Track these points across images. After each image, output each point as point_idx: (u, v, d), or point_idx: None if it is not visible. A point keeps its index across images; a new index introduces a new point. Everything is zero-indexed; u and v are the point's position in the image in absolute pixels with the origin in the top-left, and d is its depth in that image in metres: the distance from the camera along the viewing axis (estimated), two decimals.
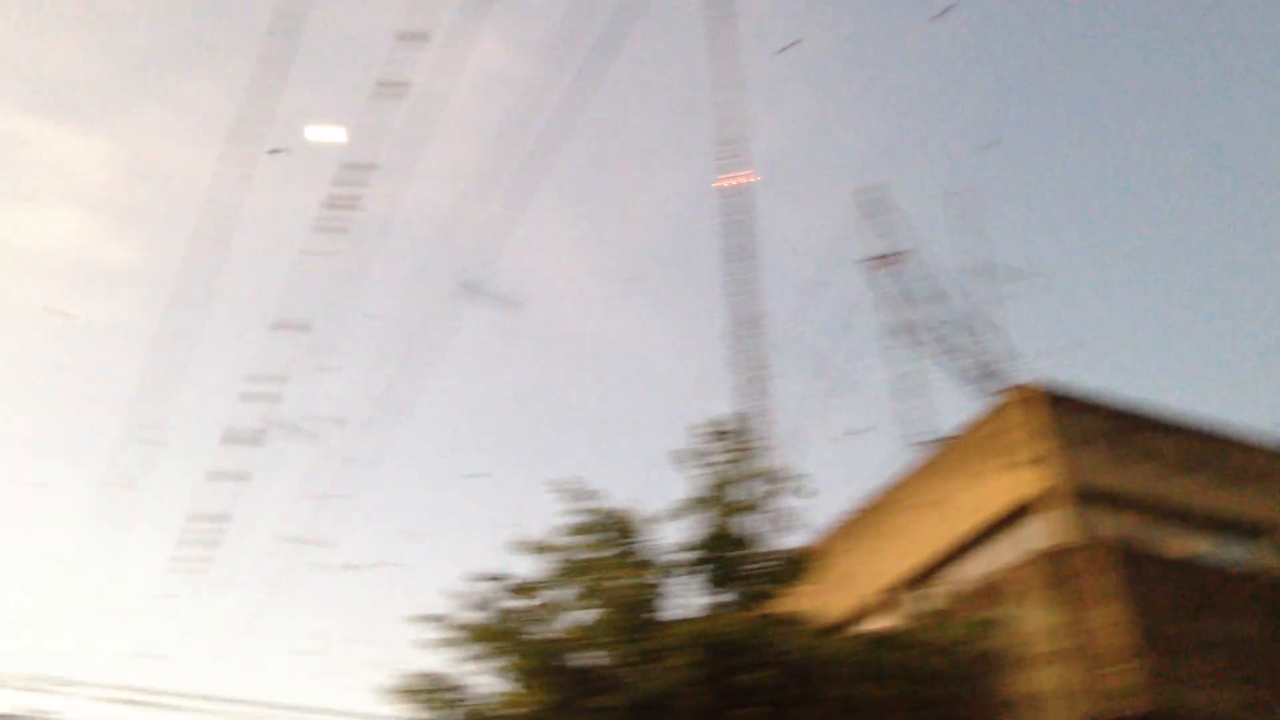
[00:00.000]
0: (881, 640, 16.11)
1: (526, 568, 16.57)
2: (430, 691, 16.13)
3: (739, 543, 16.22)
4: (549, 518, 16.62)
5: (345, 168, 9.50)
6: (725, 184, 37.00)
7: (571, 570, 16.28)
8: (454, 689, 16.20)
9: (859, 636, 16.96)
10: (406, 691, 16.17)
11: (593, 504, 16.52)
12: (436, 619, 16.38)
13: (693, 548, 16.28)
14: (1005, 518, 17.14)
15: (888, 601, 19.02)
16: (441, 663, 16.34)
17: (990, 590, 16.19)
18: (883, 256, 28.97)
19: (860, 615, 19.46)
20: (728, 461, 16.79)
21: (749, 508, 16.56)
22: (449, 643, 16.15)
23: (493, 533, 17.13)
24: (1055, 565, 15.26)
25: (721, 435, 17.02)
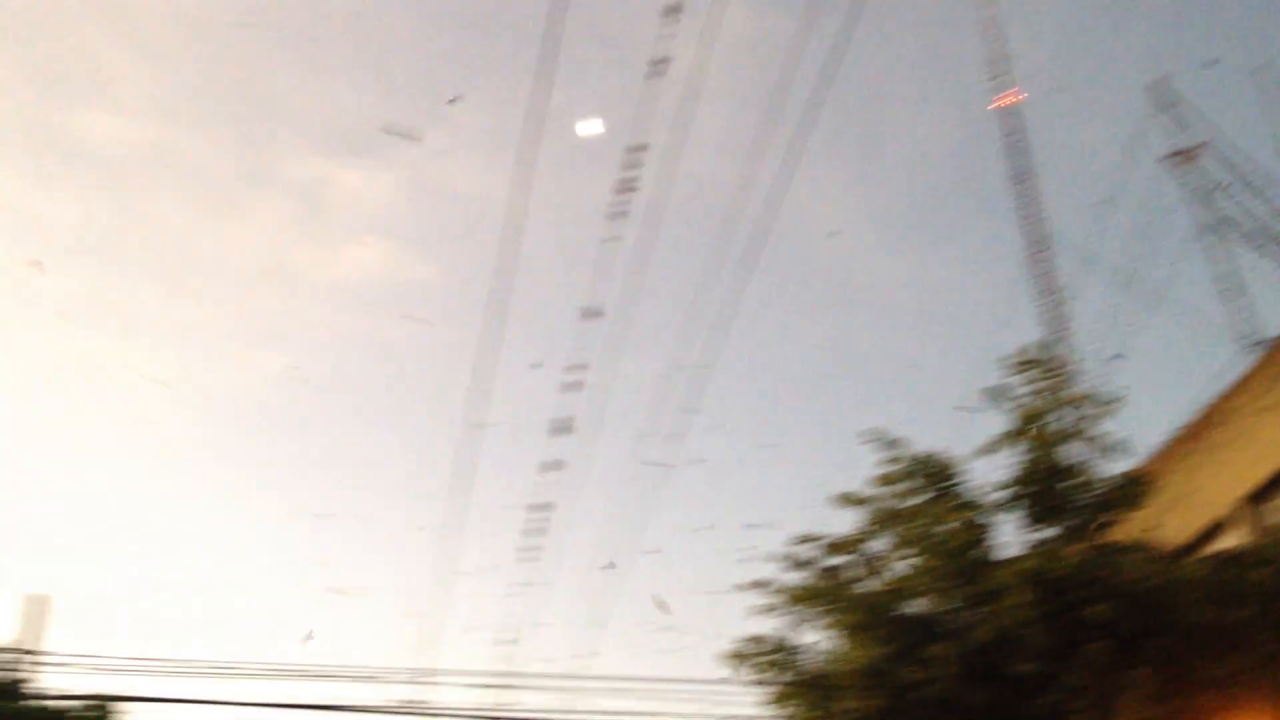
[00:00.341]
0: (1233, 559, 15.06)
1: (845, 523, 16.40)
2: (762, 655, 16.20)
3: (1062, 472, 15.47)
4: (862, 469, 16.38)
5: (627, 150, 9.55)
6: (1000, 104, 35.56)
7: (889, 520, 15.99)
8: (785, 651, 16.23)
9: (1207, 558, 15.92)
10: (740, 657, 16.30)
11: (904, 451, 16.12)
12: (761, 584, 16.46)
13: (1013, 483, 15.64)
14: None
15: (1235, 517, 17.74)
16: (770, 627, 16.40)
17: None
18: (1182, 151, 27.03)
19: (1205, 535, 18.23)
20: (1040, 390, 16.05)
21: (1069, 435, 15.78)
22: (776, 606, 16.20)
23: (808, 491, 16.99)
24: None
25: (1030, 363, 16.28)
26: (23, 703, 10.31)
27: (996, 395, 16.16)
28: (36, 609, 12.46)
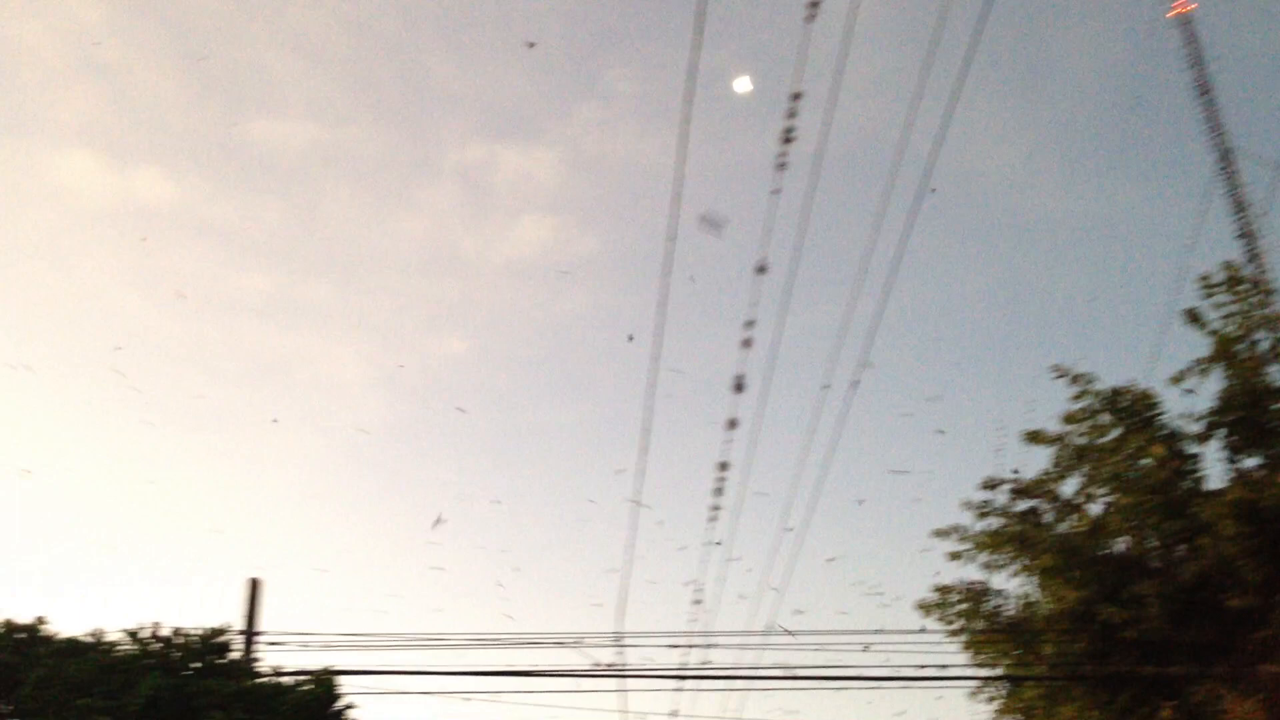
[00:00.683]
0: None
1: (1035, 465, 15.98)
2: (956, 603, 15.97)
3: (1266, 397, 14.70)
4: (1047, 410, 15.89)
5: (789, 98, 9.50)
6: (1176, 13, 33.86)
7: (1082, 459, 15.50)
8: (979, 598, 15.96)
9: None
10: (932, 606, 16.10)
11: (1093, 386, 15.51)
12: (953, 531, 16.20)
13: (1214, 412, 14.93)
14: None
15: None
16: (963, 575, 16.16)
17: None
18: None
19: None
20: (1237, 311, 15.25)
21: (1271, 357, 14.99)
22: (968, 553, 15.94)
23: (994, 436, 16.58)
24: None
25: (1224, 284, 15.44)
26: (251, 681, 10.93)
27: (1193, 320, 15.43)
28: (253, 592, 13.20)
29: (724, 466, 13.78)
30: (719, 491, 13.25)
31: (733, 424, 13.61)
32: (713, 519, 13.70)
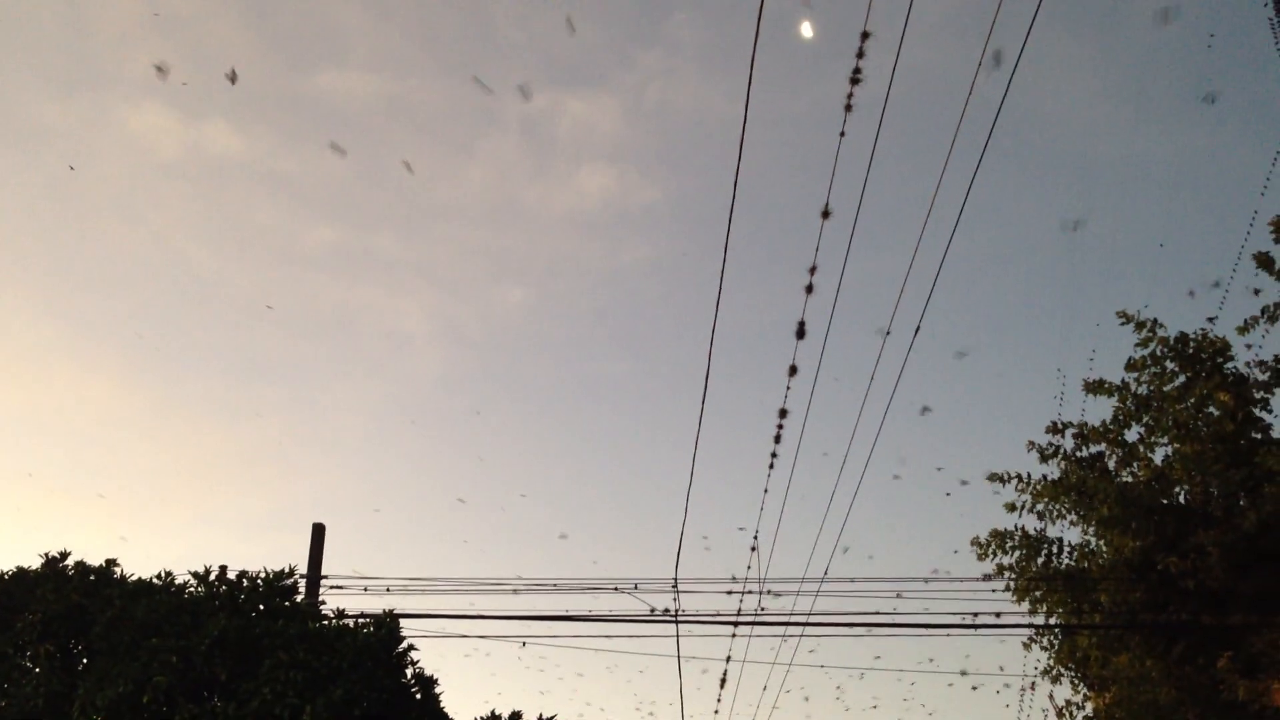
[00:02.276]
0: None
1: (1100, 411, 15.80)
2: (1013, 548, 15.89)
3: None
4: (1118, 356, 15.64)
5: (859, 38, 9.41)
6: None
7: (1146, 406, 15.30)
8: (1037, 543, 15.86)
9: None
10: (988, 547, 16.02)
11: (1158, 332, 15.25)
12: (1012, 478, 16.09)
13: None
14: None
15: None
16: (1021, 520, 16.05)
17: None
18: None
19: None
20: None
21: None
22: (1028, 499, 15.84)
23: (1060, 379, 16.40)
24: None
25: None
26: (316, 624, 11.16)
27: (1261, 265, 15.10)
28: (318, 537, 13.49)
29: (784, 414, 13.78)
30: (778, 439, 13.25)
31: (793, 370, 13.60)
32: (771, 466, 13.72)
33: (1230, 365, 14.68)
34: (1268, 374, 14.45)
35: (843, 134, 9.76)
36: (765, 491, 12.95)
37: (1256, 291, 14.54)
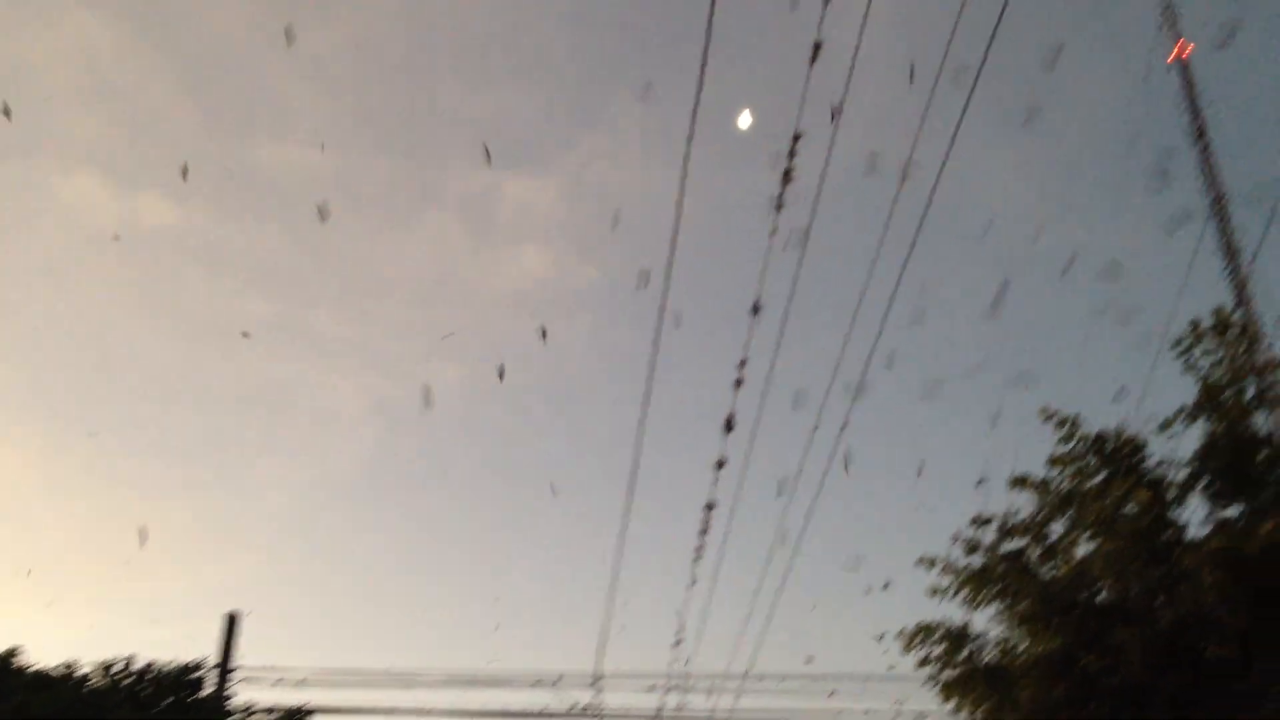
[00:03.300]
0: None
1: (1023, 505, 15.93)
2: (934, 642, 15.88)
3: (1251, 445, 14.69)
4: (1043, 448, 15.83)
5: (789, 139, 9.57)
6: (1174, 59, 34.05)
7: (1067, 502, 15.46)
8: (958, 638, 15.87)
9: None
10: (911, 642, 16.01)
11: (1080, 429, 15.49)
12: (938, 563, 16.15)
13: (1199, 459, 14.92)
14: None
15: None
16: (943, 613, 16.08)
17: None
18: None
19: None
20: (1224, 358, 15.27)
21: (1257, 405, 14.99)
22: (949, 590, 15.88)
23: (981, 474, 16.54)
24: None
25: (1212, 331, 15.47)
26: (223, 719, 10.89)
27: (1182, 361, 15.45)
28: (230, 626, 13.14)
29: (710, 507, 13.78)
30: (704, 531, 13.24)
31: (721, 464, 13.62)
32: (697, 559, 13.69)
33: (1147, 464, 14.91)
34: (1183, 474, 14.71)
35: (774, 231, 9.87)
36: (691, 583, 12.91)
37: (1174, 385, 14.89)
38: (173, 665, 11.41)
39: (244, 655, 13.54)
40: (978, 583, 15.60)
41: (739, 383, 12.17)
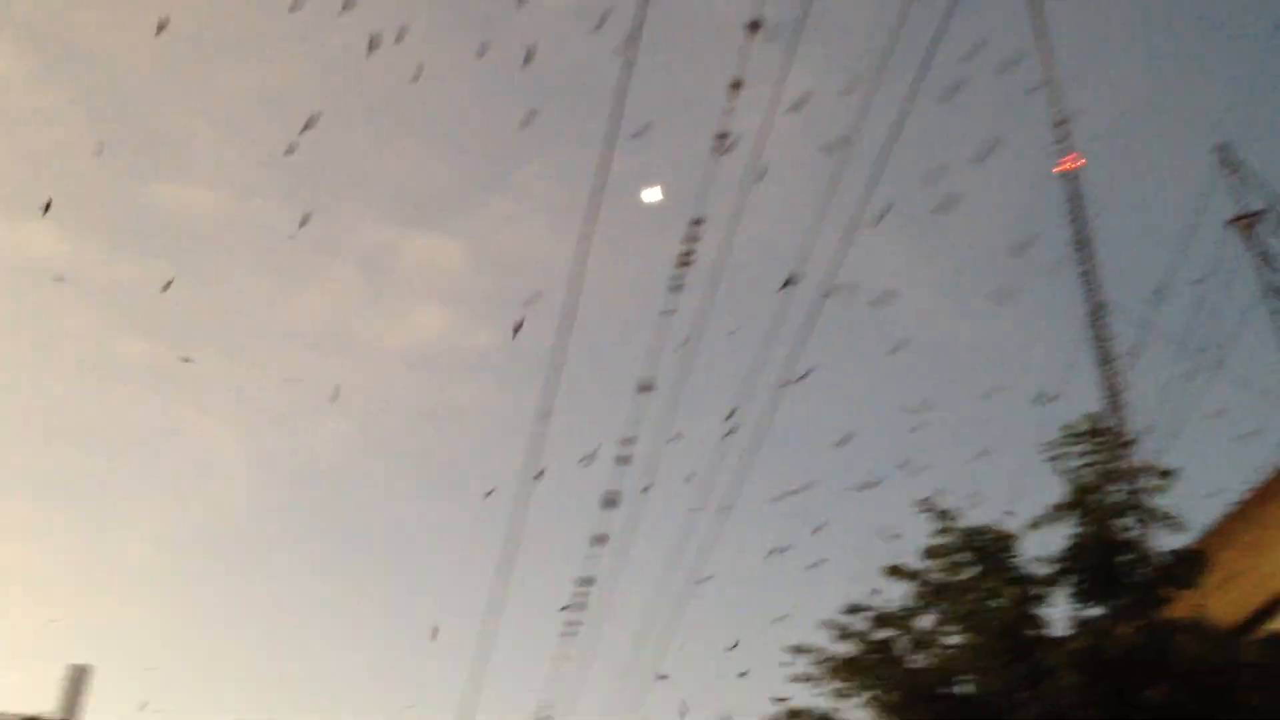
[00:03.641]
0: None
1: (895, 594, 16.14)
2: None
3: (1116, 547, 15.10)
4: (920, 536, 16.11)
5: (689, 223, 9.68)
6: (1062, 168, 35.42)
7: (939, 594, 15.70)
8: None
9: (1270, 638, 15.48)
10: None
11: (956, 522, 15.79)
12: (806, 651, 16.24)
13: (1066, 558, 15.29)
14: None
15: None
16: (814, 697, 16.15)
17: None
18: (1244, 217, 26.65)
19: (1260, 615, 17.73)
20: (1094, 462, 15.73)
21: (1123, 509, 15.45)
22: (819, 677, 15.96)
23: (864, 555, 16.77)
24: None
25: (1084, 434, 15.96)
26: None
27: (1053, 463, 15.90)
28: (77, 680, 12.54)
29: (587, 582, 13.69)
30: (579, 607, 13.15)
31: (601, 539, 13.57)
32: (570, 634, 13.57)
33: (1014, 560, 15.24)
34: (1050, 571, 15.05)
35: (669, 312, 9.95)
36: (562, 659, 12.78)
37: (1048, 466, 15.38)
38: (14, 717, 10.87)
39: (99, 711, 12.94)
40: (847, 671, 15.71)
41: (623, 460, 12.20)
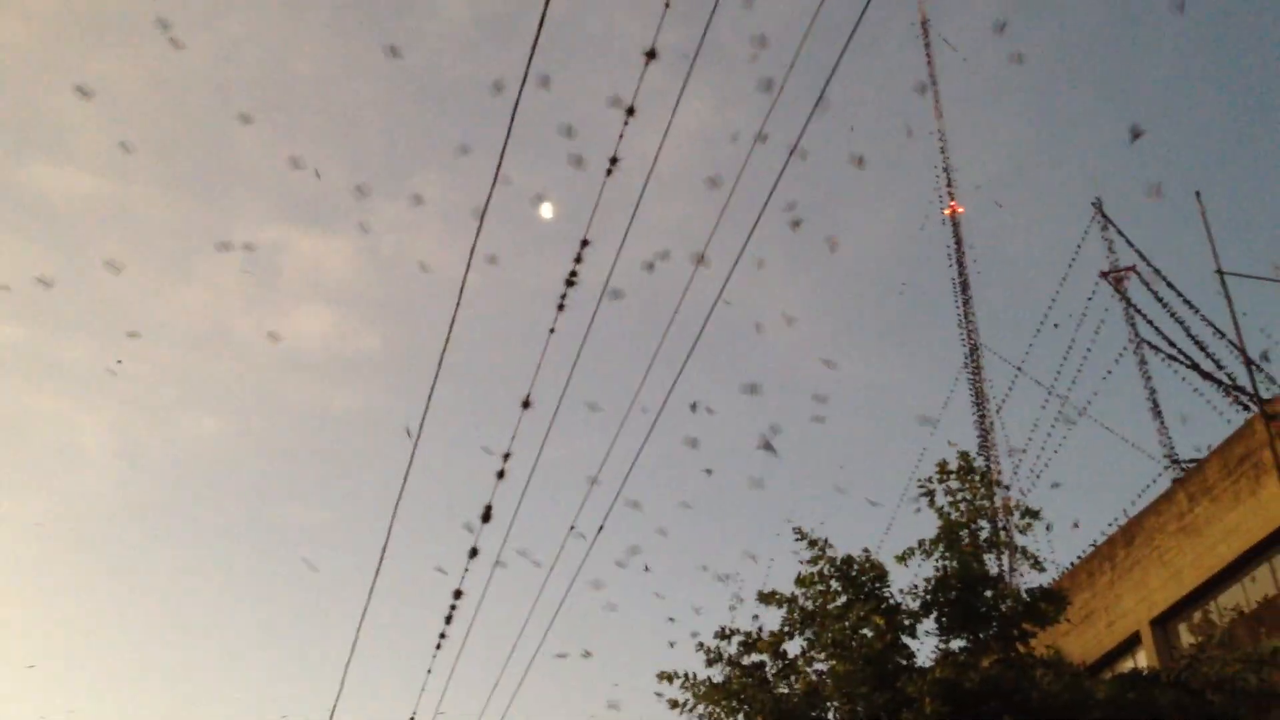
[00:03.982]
0: (1146, 679, 15.19)
1: (765, 621, 16.40)
2: None
3: (980, 583, 15.57)
4: (789, 565, 16.39)
5: (578, 245, 9.78)
6: (947, 214, 36.45)
7: (807, 622, 15.99)
8: None
9: (1120, 677, 16.07)
10: None
11: (826, 551, 16.12)
12: (675, 676, 16.38)
13: (931, 591, 15.71)
14: (1267, 540, 15.97)
15: (1145, 637, 17.96)
16: None
17: (1259, 619, 15.09)
18: (1112, 272, 27.78)
19: (1115, 653, 18.42)
20: (962, 499, 16.21)
21: (988, 546, 15.94)
22: (688, 702, 16.12)
23: (739, 584, 17.06)
24: None
25: (954, 472, 16.44)
26: None
27: (923, 499, 16.33)
28: None
29: (458, 594, 13.65)
30: (448, 619, 13.11)
31: (474, 553, 13.55)
32: (439, 647, 13.51)
33: (887, 590, 15.61)
34: (918, 602, 15.46)
35: (552, 330, 10.04)
36: (428, 672, 12.73)
37: (918, 509, 15.78)
38: None
39: None
40: (717, 696, 15.90)
41: (501, 474, 12.23)
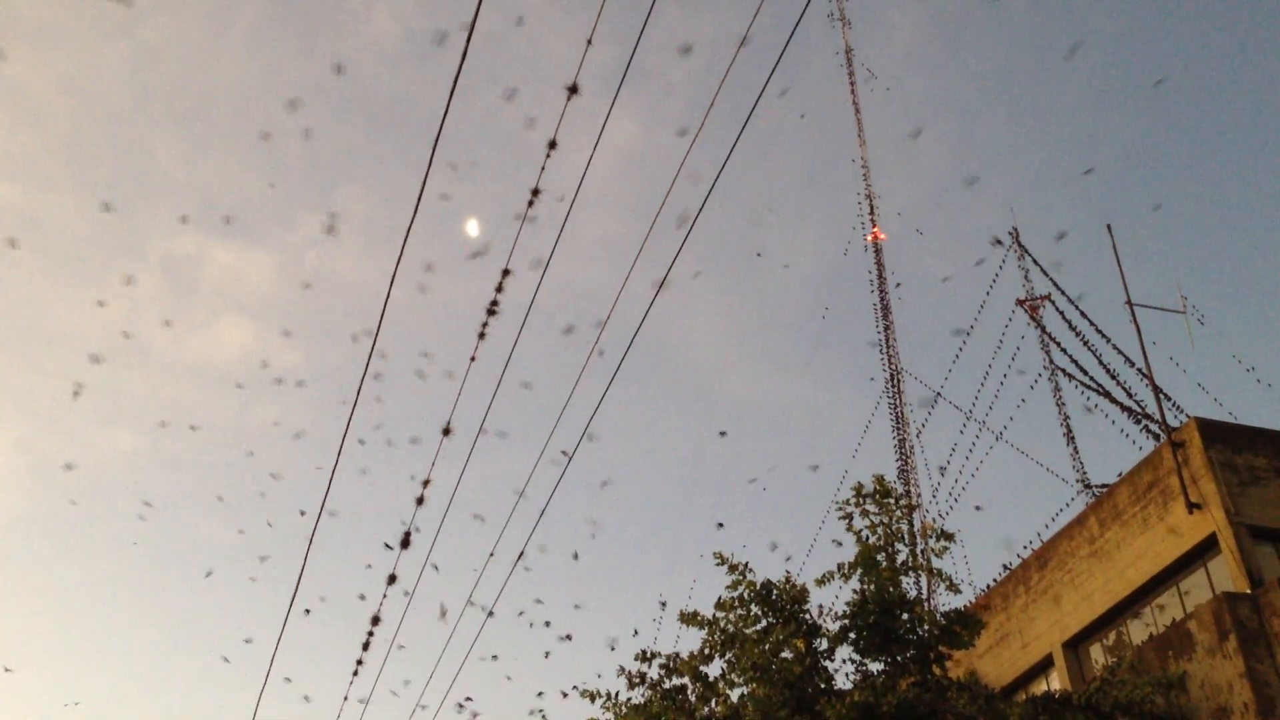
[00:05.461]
0: (1058, 702, 15.47)
1: (685, 642, 16.49)
2: None
3: (897, 606, 15.76)
4: (708, 588, 16.50)
5: (500, 273, 9.81)
6: (870, 239, 36.98)
7: (728, 644, 16.07)
8: None
9: (1033, 699, 16.36)
10: None
11: (746, 575, 16.21)
12: (597, 695, 16.40)
13: (850, 614, 15.87)
14: (1175, 565, 16.40)
15: (1058, 660, 18.30)
16: None
17: (1167, 643, 15.45)
18: (1028, 300, 28.40)
19: (1029, 675, 18.75)
20: (880, 523, 16.40)
21: (906, 569, 16.15)
22: None
23: (661, 606, 17.07)
24: (1233, 612, 14.50)
25: (871, 495, 16.63)
26: None
27: (843, 522, 16.49)
28: None
29: (376, 621, 13.55)
30: (365, 646, 13.01)
31: (392, 579, 13.46)
32: (355, 673, 13.38)
33: (806, 614, 15.75)
34: (837, 625, 15.62)
35: (473, 358, 10.04)
36: (344, 699, 12.61)
37: (839, 543, 15.89)
38: None
39: None
40: (638, 718, 15.93)
41: (420, 500, 12.19)
